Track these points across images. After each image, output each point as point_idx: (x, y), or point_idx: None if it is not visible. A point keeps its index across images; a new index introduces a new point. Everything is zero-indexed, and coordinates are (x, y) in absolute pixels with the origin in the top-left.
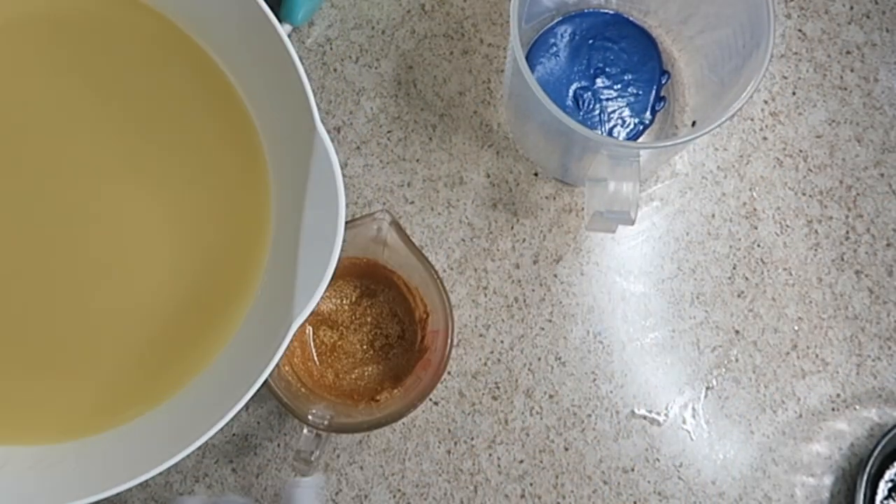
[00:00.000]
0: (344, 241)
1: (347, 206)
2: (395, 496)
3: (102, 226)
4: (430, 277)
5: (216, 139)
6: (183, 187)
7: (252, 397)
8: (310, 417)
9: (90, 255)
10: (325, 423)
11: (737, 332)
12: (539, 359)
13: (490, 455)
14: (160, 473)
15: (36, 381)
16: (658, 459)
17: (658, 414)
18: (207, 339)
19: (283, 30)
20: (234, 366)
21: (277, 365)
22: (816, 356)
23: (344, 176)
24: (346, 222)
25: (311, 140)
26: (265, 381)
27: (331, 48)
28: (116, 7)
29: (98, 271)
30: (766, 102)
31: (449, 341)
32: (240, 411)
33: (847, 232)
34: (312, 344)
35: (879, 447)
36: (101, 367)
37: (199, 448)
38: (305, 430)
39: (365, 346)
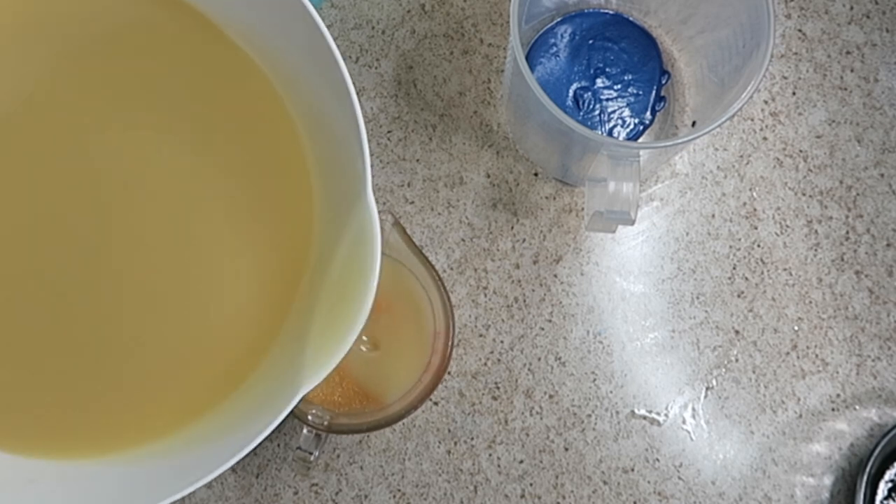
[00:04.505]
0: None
1: None
2: (395, 496)
3: (136, 245)
4: (431, 279)
5: (271, 189)
6: (224, 214)
7: None
8: (309, 417)
9: (119, 273)
10: (325, 423)
11: (737, 332)
12: (539, 359)
13: (490, 455)
14: None
15: (61, 396)
16: (658, 459)
17: (658, 414)
18: (222, 377)
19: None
20: (238, 416)
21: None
22: (816, 356)
23: None
24: None
25: (356, 202)
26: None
27: None
28: (195, 37)
29: (124, 291)
30: (766, 102)
31: (450, 344)
32: None
33: (847, 232)
34: None
35: (879, 447)
36: (124, 387)
37: None
38: (305, 430)
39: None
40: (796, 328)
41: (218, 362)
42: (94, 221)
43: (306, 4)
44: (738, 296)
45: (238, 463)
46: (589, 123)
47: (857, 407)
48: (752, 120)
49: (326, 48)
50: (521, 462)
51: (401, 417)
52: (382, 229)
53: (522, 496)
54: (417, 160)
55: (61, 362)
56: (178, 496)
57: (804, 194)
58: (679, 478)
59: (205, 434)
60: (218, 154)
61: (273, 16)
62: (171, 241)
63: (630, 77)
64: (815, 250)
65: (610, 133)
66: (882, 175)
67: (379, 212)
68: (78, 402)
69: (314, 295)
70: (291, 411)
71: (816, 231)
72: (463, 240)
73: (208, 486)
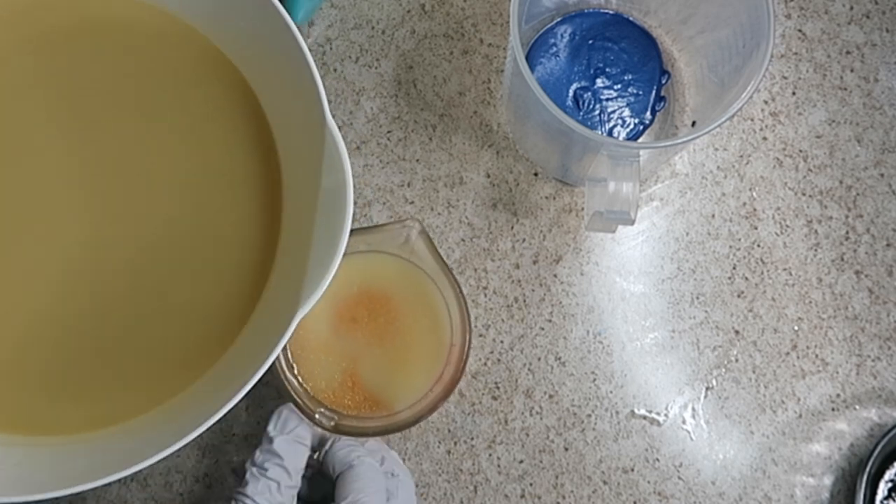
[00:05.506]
0: (369, 245)
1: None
2: None
3: (111, 216)
4: (452, 291)
5: (228, 136)
6: (193, 182)
7: (252, 398)
8: (317, 417)
9: (96, 244)
10: (332, 424)
11: (737, 332)
12: (539, 359)
13: (490, 455)
14: (160, 473)
15: (48, 376)
16: (658, 459)
17: (658, 414)
18: (214, 338)
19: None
20: (238, 359)
21: (292, 365)
22: (816, 356)
23: None
24: (376, 226)
25: (321, 136)
26: (281, 378)
27: (331, 48)
28: (128, 9)
29: (104, 262)
30: (766, 102)
31: (464, 357)
32: (240, 412)
33: (847, 232)
34: None
35: (879, 447)
36: (112, 363)
37: (199, 448)
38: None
39: None
40: (796, 328)
41: (220, 313)
42: (84, 203)
43: None
44: (738, 296)
45: (238, 462)
46: (589, 123)
47: (857, 407)
48: (752, 120)
49: None
50: (521, 462)
51: (408, 425)
52: (409, 237)
53: (522, 496)
54: (417, 160)
55: (79, 337)
56: (206, 425)
57: (804, 194)
58: (679, 478)
59: (219, 376)
60: (176, 125)
61: None
62: (139, 207)
63: (630, 77)
64: (815, 250)
65: (610, 133)
66: (882, 175)
67: (406, 219)
68: (103, 365)
69: (306, 221)
70: (300, 407)
71: (816, 231)
72: (463, 240)
73: (208, 485)
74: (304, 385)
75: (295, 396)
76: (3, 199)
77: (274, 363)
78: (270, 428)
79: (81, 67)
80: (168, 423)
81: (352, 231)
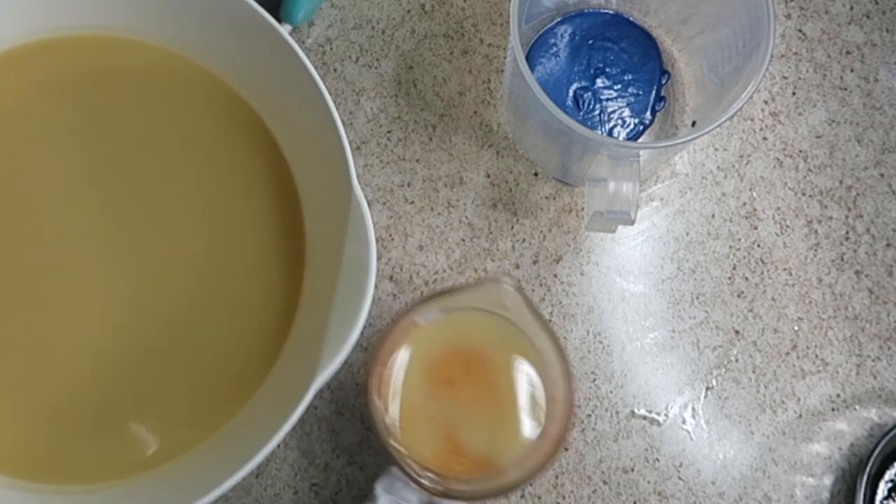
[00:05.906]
0: (460, 304)
1: None
2: None
3: (131, 270)
4: (551, 344)
5: (255, 194)
6: (218, 240)
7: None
8: (425, 483)
9: (120, 300)
10: (441, 489)
11: (737, 332)
12: None
13: None
14: None
15: (71, 427)
16: (658, 459)
17: (658, 414)
18: (229, 396)
19: (283, 30)
20: (252, 423)
21: (398, 439)
22: (816, 356)
23: None
24: (468, 286)
25: (347, 203)
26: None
27: (331, 48)
28: (159, 59)
29: (127, 317)
30: (766, 102)
31: (570, 412)
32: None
33: (847, 232)
34: None
35: (879, 447)
36: (126, 420)
37: None
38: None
39: None
40: (796, 328)
41: (225, 376)
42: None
43: (261, 13)
44: (738, 296)
45: None
46: (589, 123)
47: (857, 407)
48: (752, 120)
49: (286, 46)
50: None
51: (518, 486)
52: (503, 294)
53: (522, 496)
54: (417, 160)
55: (103, 388)
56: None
57: (804, 194)
58: (679, 478)
59: (231, 436)
60: (202, 179)
61: (230, 33)
62: (160, 260)
63: (630, 77)
64: (815, 250)
65: (610, 133)
66: (882, 175)
67: (501, 275)
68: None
69: (327, 289)
70: (408, 474)
71: (816, 231)
72: (463, 240)
73: None
74: (409, 452)
75: (399, 462)
76: (38, 251)
77: (378, 431)
78: (378, 485)
79: (109, 117)
80: (192, 472)
81: (443, 292)
